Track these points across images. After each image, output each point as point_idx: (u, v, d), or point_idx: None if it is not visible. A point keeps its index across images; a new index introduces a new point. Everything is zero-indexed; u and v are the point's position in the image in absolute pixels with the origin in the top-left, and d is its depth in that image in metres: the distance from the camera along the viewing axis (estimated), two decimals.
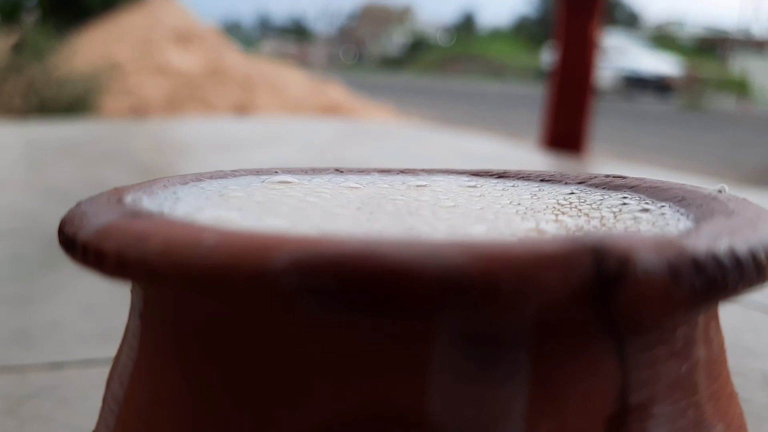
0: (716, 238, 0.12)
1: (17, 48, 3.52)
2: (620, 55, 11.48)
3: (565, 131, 1.61)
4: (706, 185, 0.19)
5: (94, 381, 0.31)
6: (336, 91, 4.93)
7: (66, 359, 0.34)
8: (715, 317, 0.15)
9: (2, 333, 0.37)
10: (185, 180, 0.19)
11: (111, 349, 0.17)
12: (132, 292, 0.15)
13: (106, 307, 0.41)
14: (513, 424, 0.12)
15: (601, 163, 1.71)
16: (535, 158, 1.40)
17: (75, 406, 0.30)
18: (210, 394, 0.13)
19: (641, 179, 0.20)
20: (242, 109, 4.06)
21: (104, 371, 0.17)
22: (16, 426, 0.28)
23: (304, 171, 0.21)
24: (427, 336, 0.12)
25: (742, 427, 0.15)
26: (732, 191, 0.17)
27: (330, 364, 0.12)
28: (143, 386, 0.14)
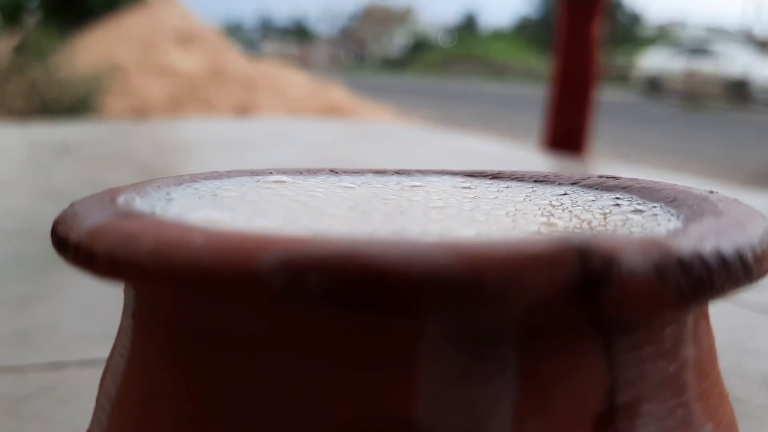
0: (703, 239, 0.13)
1: (19, 49, 3.53)
2: None
3: (567, 132, 1.61)
4: (703, 186, 0.19)
5: (93, 381, 0.31)
6: (337, 92, 4.93)
7: (66, 359, 0.34)
8: (705, 317, 0.15)
9: (3, 333, 0.37)
10: (180, 180, 0.19)
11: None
12: (125, 291, 0.15)
13: (105, 308, 0.41)
14: (500, 423, 0.12)
15: (601, 163, 1.71)
16: (535, 159, 1.40)
17: (74, 406, 0.30)
18: (200, 392, 0.13)
19: (634, 180, 0.20)
20: (243, 110, 4.07)
21: None
22: (15, 426, 0.28)
23: (299, 171, 0.21)
24: (415, 335, 0.12)
25: (732, 427, 0.15)
26: (727, 192, 0.17)
27: (318, 363, 0.12)
28: (135, 385, 0.14)
